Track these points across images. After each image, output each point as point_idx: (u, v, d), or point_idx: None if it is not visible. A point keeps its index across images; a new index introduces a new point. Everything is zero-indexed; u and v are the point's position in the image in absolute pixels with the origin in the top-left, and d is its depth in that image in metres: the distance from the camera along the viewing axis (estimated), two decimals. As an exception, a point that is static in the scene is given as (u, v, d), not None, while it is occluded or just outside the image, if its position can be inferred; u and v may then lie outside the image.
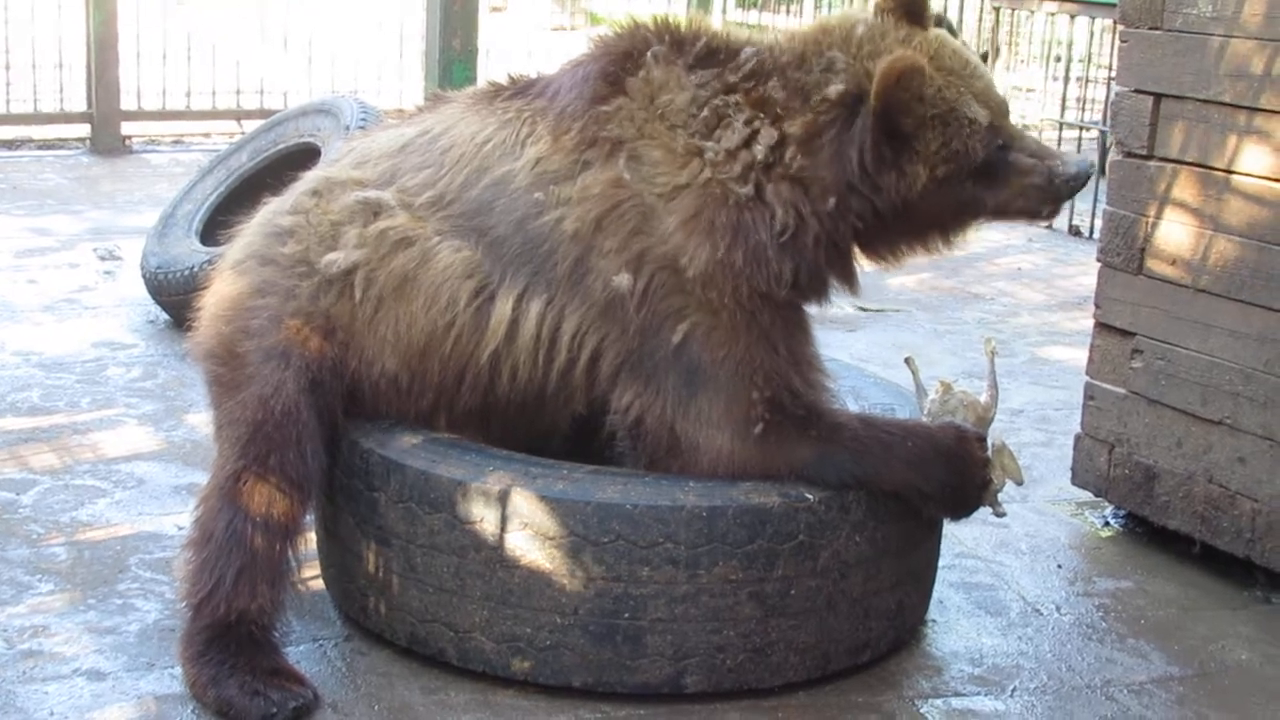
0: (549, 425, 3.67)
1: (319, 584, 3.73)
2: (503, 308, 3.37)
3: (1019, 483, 3.57)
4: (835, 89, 3.27)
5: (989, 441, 3.49)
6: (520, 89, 3.55)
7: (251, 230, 3.68)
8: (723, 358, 3.29)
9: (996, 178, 3.35)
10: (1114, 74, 5.25)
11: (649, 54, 3.38)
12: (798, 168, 3.27)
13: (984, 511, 3.53)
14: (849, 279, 3.46)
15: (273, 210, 3.68)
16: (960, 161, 3.29)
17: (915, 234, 3.46)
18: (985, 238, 3.53)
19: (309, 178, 3.72)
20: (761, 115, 3.30)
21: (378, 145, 3.62)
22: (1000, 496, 3.51)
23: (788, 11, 13.61)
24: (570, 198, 3.32)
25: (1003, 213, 3.46)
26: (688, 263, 3.26)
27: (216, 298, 3.61)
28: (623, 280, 3.29)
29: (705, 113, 3.32)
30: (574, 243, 3.32)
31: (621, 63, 3.40)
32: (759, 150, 3.27)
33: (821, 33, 3.39)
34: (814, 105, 3.28)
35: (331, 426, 3.43)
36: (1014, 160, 3.36)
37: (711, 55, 3.38)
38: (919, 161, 3.26)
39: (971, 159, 3.29)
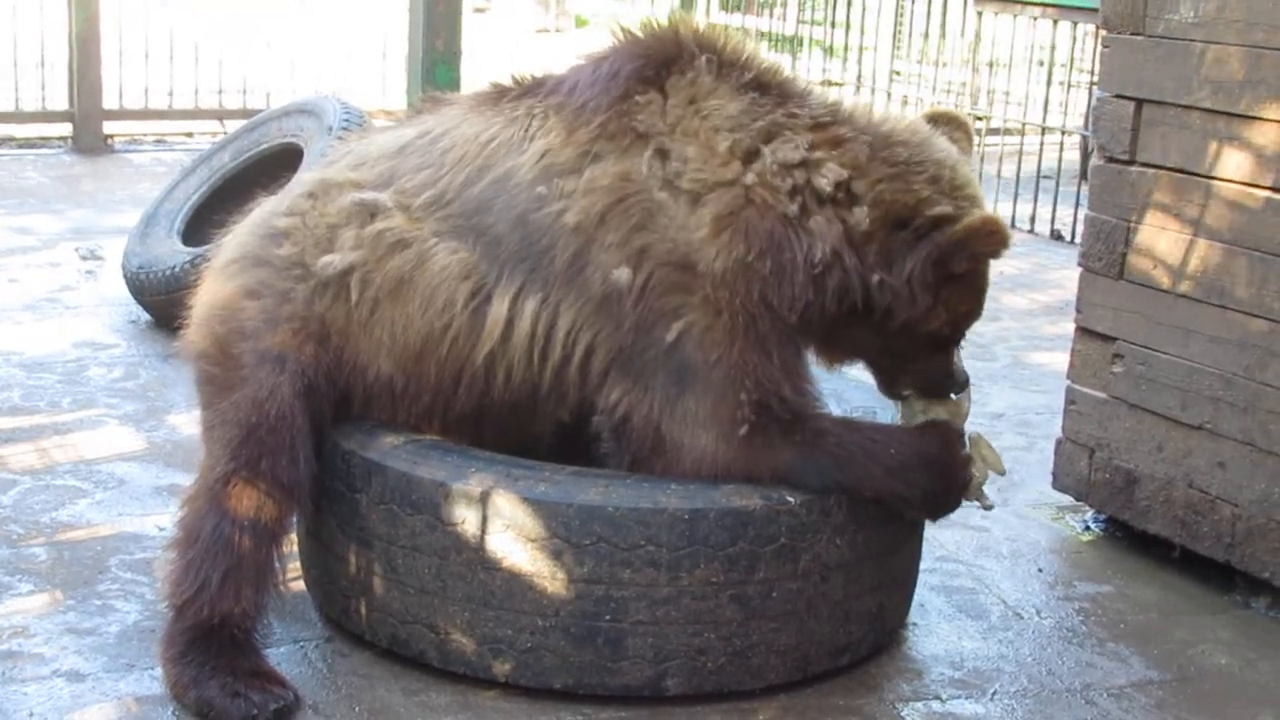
0: (540, 428, 3.64)
1: (300, 585, 3.72)
2: (499, 308, 3.35)
3: (1000, 473, 3.58)
4: (940, 210, 3.29)
5: (965, 436, 3.51)
6: (528, 89, 3.53)
7: (245, 231, 3.64)
8: (716, 359, 3.28)
9: (915, 361, 3.51)
10: (1096, 79, 5.27)
11: (700, 61, 3.37)
12: (862, 227, 3.28)
13: (965, 514, 3.54)
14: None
15: (267, 211, 3.64)
16: (942, 327, 3.40)
17: (850, 341, 3.52)
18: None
19: (305, 180, 3.68)
20: (833, 151, 3.31)
21: (375, 147, 3.59)
22: (985, 488, 3.52)
23: (771, 15, 13.62)
24: (574, 190, 3.31)
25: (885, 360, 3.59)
26: (709, 258, 3.24)
27: (209, 297, 3.57)
28: (621, 275, 3.28)
29: (761, 124, 3.31)
30: (574, 236, 3.30)
31: (662, 66, 3.38)
32: (822, 182, 3.27)
33: (932, 141, 3.42)
34: (907, 201, 3.29)
35: (321, 431, 3.42)
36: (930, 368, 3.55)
37: (764, 88, 3.38)
38: (940, 304, 3.34)
39: (940, 334, 3.43)
